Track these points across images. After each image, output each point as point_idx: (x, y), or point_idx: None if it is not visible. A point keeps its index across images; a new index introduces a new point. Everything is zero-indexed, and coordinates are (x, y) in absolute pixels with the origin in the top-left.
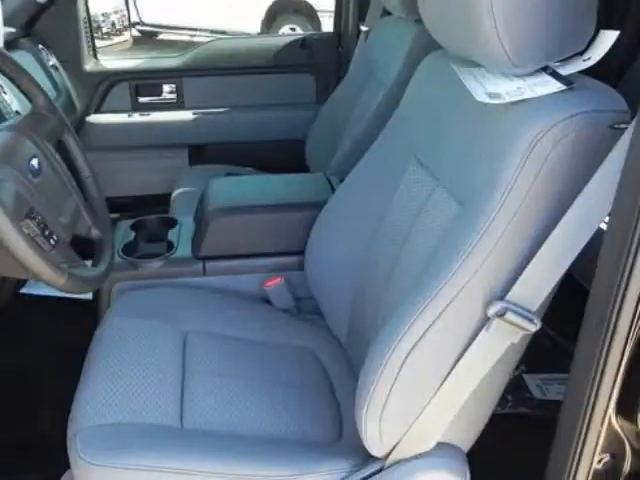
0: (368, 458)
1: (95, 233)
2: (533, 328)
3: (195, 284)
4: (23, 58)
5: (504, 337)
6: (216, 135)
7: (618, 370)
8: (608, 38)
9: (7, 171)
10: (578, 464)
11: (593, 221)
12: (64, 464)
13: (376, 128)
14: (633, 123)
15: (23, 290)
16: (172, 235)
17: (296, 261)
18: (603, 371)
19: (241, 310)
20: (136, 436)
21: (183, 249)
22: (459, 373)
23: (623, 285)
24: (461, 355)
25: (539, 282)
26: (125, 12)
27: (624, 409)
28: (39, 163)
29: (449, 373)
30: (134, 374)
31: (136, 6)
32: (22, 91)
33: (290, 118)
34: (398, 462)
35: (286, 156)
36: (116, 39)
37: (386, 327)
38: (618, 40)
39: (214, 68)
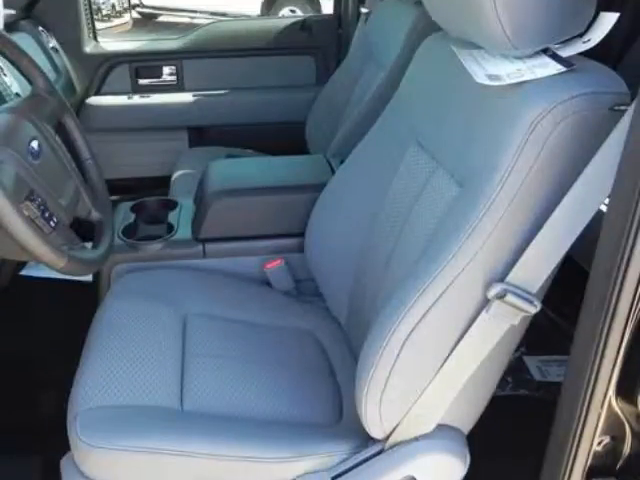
0: (368, 440)
1: (95, 215)
2: (533, 310)
3: (195, 266)
4: (23, 40)
5: (504, 319)
6: (216, 117)
7: (618, 352)
8: (608, 20)
9: (7, 153)
10: (578, 446)
11: (593, 203)
12: (64, 446)
13: (376, 110)
14: (633, 105)
15: (23, 272)
16: (172, 217)
17: (296, 243)
18: (603, 353)
19: (241, 292)
20: (136, 418)
21: (183, 231)
22: (459, 355)
23: (623, 267)
24: (461, 337)
25: (539, 264)
26: None
27: (624, 391)
28: (39, 145)
29: (449, 355)
30: (134, 356)
31: None
32: (22, 73)
33: (290, 100)
34: (398, 444)
35: (286, 138)
36: (116, 21)
37: (386, 309)
38: (618, 22)
39: (214, 50)
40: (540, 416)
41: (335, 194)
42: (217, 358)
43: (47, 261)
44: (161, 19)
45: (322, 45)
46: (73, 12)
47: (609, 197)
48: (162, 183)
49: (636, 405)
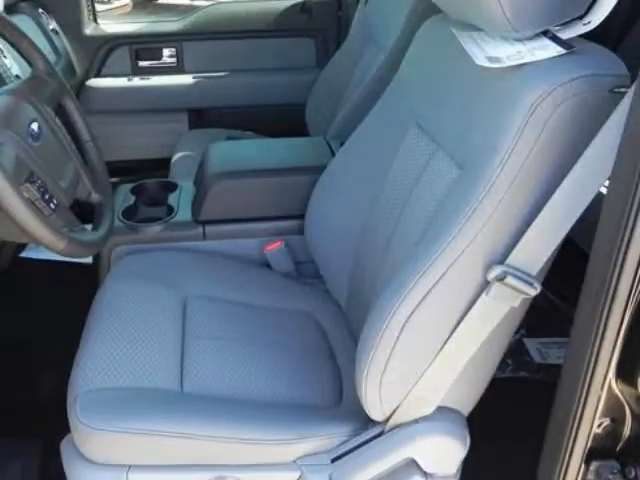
0: (368, 422)
1: (95, 197)
2: (533, 292)
3: (195, 248)
4: (23, 22)
5: (504, 301)
6: (216, 99)
7: (618, 334)
8: (608, 2)
9: (7, 135)
10: (578, 428)
11: (593, 185)
12: (64, 428)
13: (376, 92)
14: (633, 87)
15: (23, 254)
16: (172, 199)
17: (296, 225)
18: (603, 335)
19: (241, 274)
20: (136, 400)
21: (183, 213)
22: (459, 337)
23: (623, 249)
24: (461, 319)
25: (539, 246)
26: None
27: (624, 373)
28: (39, 127)
29: (449, 337)
30: (134, 338)
31: None
32: (22, 55)
33: (290, 82)
34: (398, 426)
35: (286, 120)
36: (116, 3)
37: (386, 291)
38: (618, 4)
39: (214, 32)
40: (540, 398)
41: (335, 176)
42: (217, 340)
43: (47, 243)
44: (161, 1)
45: (322, 27)
46: None
47: (609, 179)
48: (162, 165)
49: (636, 387)
